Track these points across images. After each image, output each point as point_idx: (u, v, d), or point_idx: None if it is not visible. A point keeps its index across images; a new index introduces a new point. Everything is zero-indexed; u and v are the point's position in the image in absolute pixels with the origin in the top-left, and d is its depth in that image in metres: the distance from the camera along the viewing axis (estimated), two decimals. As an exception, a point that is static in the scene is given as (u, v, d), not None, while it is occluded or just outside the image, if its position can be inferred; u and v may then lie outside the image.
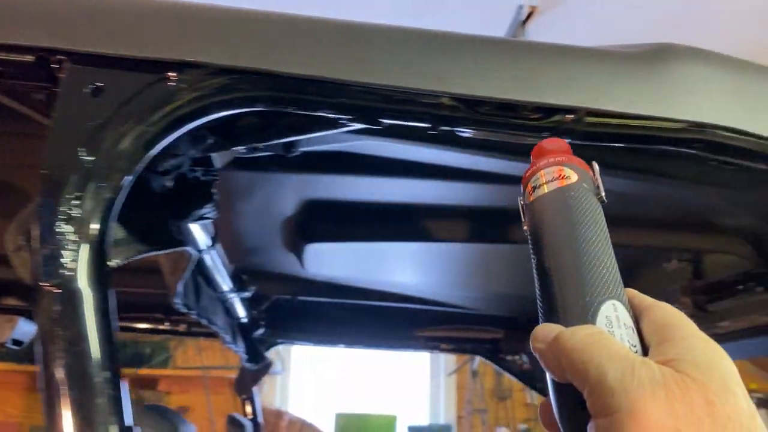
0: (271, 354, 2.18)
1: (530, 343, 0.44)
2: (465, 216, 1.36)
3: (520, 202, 0.55)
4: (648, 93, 0.60)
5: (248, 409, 2.15)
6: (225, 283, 1.42)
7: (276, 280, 1.79)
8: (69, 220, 0.53)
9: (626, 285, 1.62)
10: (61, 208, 0.52)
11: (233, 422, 1.98)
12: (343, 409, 3.81)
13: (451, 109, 0.59)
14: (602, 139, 0.61)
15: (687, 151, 0.65)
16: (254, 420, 2.12)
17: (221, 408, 3.44)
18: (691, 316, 1.36)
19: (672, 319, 0.44)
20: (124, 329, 2.02)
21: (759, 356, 3.41)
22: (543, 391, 2.22)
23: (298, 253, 1.52)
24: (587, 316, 0.43)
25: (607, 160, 0.88)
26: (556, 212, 0.50)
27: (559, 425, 0.42)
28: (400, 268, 1.77)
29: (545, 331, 0.43)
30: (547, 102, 0.59)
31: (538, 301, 0.48)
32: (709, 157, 0.68)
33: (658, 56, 0.62)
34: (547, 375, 0.43)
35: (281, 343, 2.24)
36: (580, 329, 0.42)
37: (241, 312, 1.71)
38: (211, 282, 1.35)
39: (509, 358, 2.24)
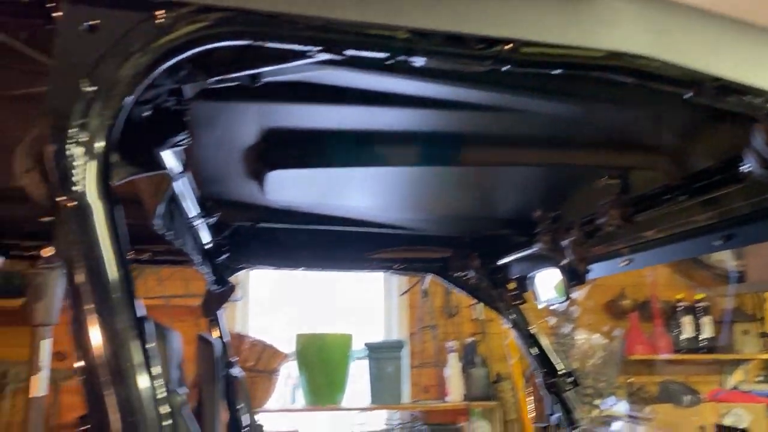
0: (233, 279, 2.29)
1: None
2: (415, 141, 1.45)
3: None
4: (573, 24, 0.70)
5: (215, 330, 2.27)
6: (194, 209, 1.50)
7: (237, 207, 1.86)
8: (77, 143, 0.60)
9: (561, 201, 1.76)
10: (70, 132, 0.60)
11: (203, 341, 2.09)
12: (302, 329, 3.99)
13: (406, 41, 0.68)
14: (536, 66, 0.72)
15: (610, 76, 0.77)
16: (221, 339, 2.25)
17: (185, 335, 3.55)
18: (619, 227, 1.51)
19: None
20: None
21: (679, 259, 3.71)
22: (488, 304, 2.40)
23: (260, 180, 1.59)
24: None
25: (543, 86, 0.99)
26: None
27: None
28: (355, 193, 1.86)
29: None
30: (488, 34, 0.68)
31: None
32: (629, 82, 0.79)
33: None
34: None
35: (243, 267, 2.34)
36: None
37: (206, 237, 1.80)
38: (180, 208, 1.43)
39: (457, 274, 2.40)
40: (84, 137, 0.61)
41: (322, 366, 3.78)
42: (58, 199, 0.59)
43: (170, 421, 0.60)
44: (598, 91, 1.00)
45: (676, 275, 4.71)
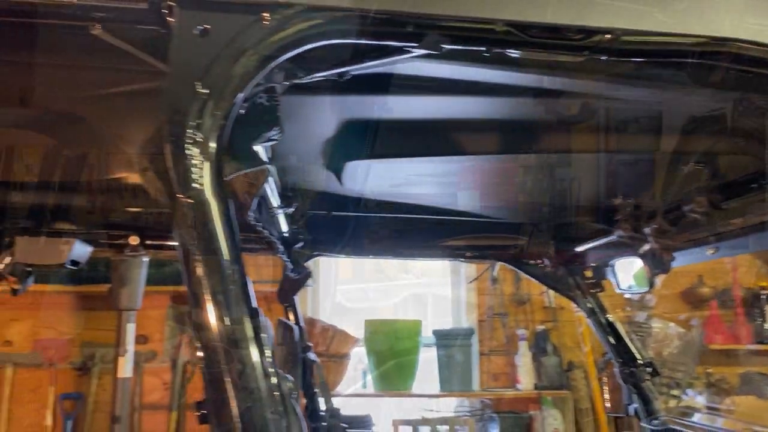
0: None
1: None
2: (492, 129, 1.44)
3: None
4: (674, 12, 0.69)
5: (291, 315, 2.34)
6: (275, 200, 1.54)
7: (313, 197, 1.91)
8: (194, 143, 0.64)
9: (646, 188, 1.70)
10: (188, 132, 0.63)
11: (283, 325, 2.15)
12: (372, 315, 4.04)
13: (505, 33, 0.68)
14: (635, 55, 0.71)
15: (711, 62, 0.75)
16: (297, 324, 2.31)
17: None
18: (706, 214, 1.47)
19: None
20: (166, 249, 2.15)
21: (768, 249, 3.54)
22: (563, 292, 2.37)
23: (337, 170, 1.62)
24: None
25: (634, 73, 0.97)
26: None
27: None
28: (429, 181, 1.87)
29: None
30: (588, 24, 0.68)
31: None
32: (730, 67, 0.77)
33: None
34: None
35: (317, 255, 2.38)
36: None
37: (284, 226, 1.85)
38: (265, 199, 1.47)
39: (532, 262, 2.36)
40: (200, 137, 0.64)
41: (391, 352, 3.82)
42: (177, 196, 0.63)
43: (282, 407, 0.63)
44: (690, 76, 0.97)
45: (758, 262, 4.50)
